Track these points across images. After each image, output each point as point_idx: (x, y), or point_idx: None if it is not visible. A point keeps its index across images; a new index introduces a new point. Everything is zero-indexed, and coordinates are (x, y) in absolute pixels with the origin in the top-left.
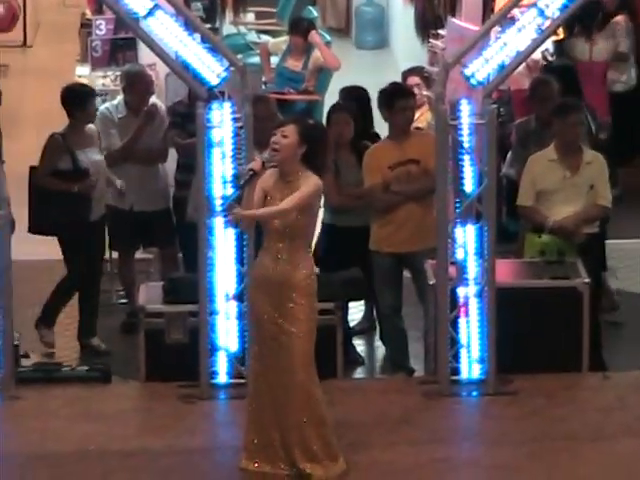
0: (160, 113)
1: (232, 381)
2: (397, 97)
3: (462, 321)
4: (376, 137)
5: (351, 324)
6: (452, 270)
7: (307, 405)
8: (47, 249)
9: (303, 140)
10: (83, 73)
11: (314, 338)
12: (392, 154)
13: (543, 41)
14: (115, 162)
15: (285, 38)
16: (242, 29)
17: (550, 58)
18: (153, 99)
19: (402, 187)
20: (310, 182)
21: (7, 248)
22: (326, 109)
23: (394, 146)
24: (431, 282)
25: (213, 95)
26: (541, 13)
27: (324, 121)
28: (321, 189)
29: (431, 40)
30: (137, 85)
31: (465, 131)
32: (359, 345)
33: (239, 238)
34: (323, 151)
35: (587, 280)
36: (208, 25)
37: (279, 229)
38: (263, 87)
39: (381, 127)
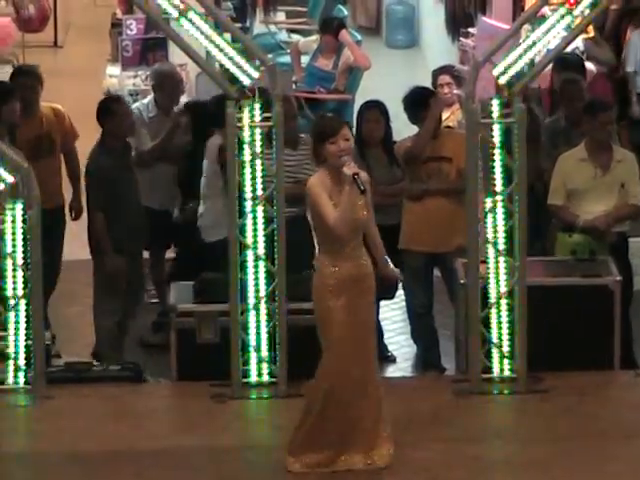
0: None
1: (263, 380)
2: (420, 109)
3: (493, 319)
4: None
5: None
6: (483, 268)
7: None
8: (74, 248)
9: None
10: (114, 73)
11: None
12: (425, 149)
13: (573, 39)
14: (145, 162)
15: (316, 37)
16: (272, 28)
17: (581, 56)
18: (184, 99)
19: (434, 185)
20: (368, 186)
21: (37, 247)
22: (356, 108)
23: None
24: (462, 281)
25: (243, 94)
26: (570, 11)
27: (354, 120)
28: None
29: (461, 39)
30: (167, 84)
31: (495, 130)
32: (391, 344)
33: (270, 238)
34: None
35: (618, 278)
36: (238, 24)
37: (353, 233)
38: (294, 86)
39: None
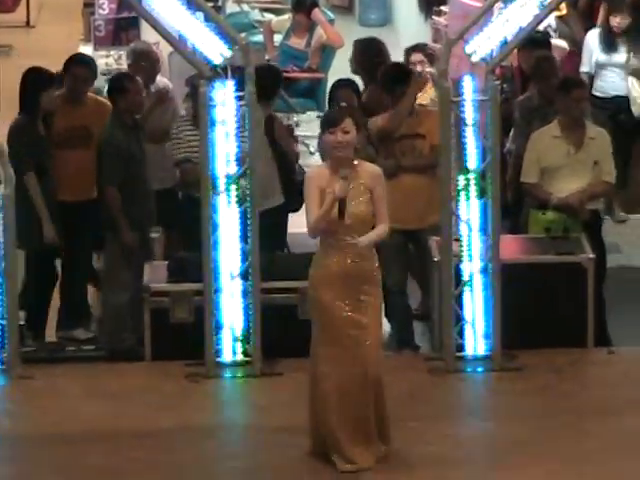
0: (170, 95)
1: (237, 359)
2: (397, 83)
3: (467, 297)
4: None
5: None
6: (456, 246)
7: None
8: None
9: (359, 128)
10: (86, 53)
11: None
12: (400, 127)
13: (545, 17)
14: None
15: (288, 16)
16: (245, 7)
17: (553, 34)
18: (164, 81)
19: (409, 162)
20: (379, 180)
21: (12, 230)
22: (329, 87)
23: None
24: (435, 259)
25: (216, 73)
26: None
27: (327, 98)
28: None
29: (434, 17)
30: (144, 63)
31: (468, 108)
32: None
33: (243, 216)
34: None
35: (592, 256)
36: (211, 3)
37: (354, 228)
38: None
39: None
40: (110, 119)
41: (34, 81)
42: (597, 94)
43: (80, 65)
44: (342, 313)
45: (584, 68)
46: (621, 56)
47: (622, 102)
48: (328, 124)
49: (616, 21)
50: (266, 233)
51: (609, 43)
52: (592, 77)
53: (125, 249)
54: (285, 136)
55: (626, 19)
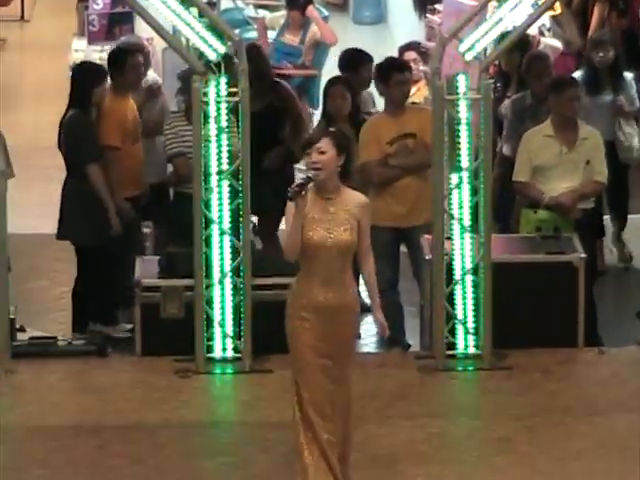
0: (161, 90)
1: (227, 355)
2: (393, 71)
3: (458, 296)
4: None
5: None
6: (448, 245)
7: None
8: (43, 222)
9: (340, 151)
10: (80, 47)
11: None
12: (390, 128)
13: (539, 16)
14: None
15: (283, 13)
16: (240, 4)
17: (547, 34)
18: (154, 76)
19: (400, 161)
20: (367, 210)
21: (2, 220)
22: (323, 84)
23: (391, 120)
24: (427, 257)
25: (209, 69)
26: None
27: (321, 95)
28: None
29: (428, 15)
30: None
31: (462, 106)
32: None
33: (235, 212)
34: (352, 157)
35: (583, 255)
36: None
37: (335, 256)
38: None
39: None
40: (108, 93)
41: (86, 76)
42: None
43: (133, 53)
44: (319, 344)
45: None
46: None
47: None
48: (305, 146)
49: (599, 56)
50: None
51: (593, 84)
52: None
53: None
54: None
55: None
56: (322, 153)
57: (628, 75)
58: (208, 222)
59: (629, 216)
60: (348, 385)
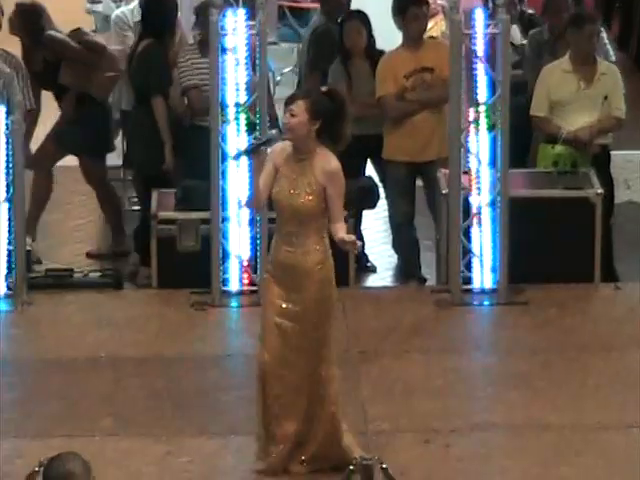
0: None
1: (243, 288)
2: (410, 4)
3: (474, 230)
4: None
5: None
6: (465, 179)
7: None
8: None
9: (314, 116)
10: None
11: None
12: (407, 62)
13: None
14: None
15: None
16: None
17: None
18: None
19: (417, 95)
20: (333, 177)
21: (19, 154)
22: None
23: (408, 54)
24: (444, 191)
25: (227, 2)
26: None
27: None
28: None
29: None
30: None
31: (479, 40)
32: (372, 254)
33: None
34: (341, 122)
35: (600, 191)
36: None
37: (292, 217)
38: None
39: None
40: None
41: (164, 6)
42: None
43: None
44: (285, 308)
45: None
46: None
47: None
48: (286, 101)
49: None
50: None
51: None
52: None
53: None
54: None
55: None
56: (293, 115)
57: None
58: (225, 155)
59: None
60: (319, 373)
